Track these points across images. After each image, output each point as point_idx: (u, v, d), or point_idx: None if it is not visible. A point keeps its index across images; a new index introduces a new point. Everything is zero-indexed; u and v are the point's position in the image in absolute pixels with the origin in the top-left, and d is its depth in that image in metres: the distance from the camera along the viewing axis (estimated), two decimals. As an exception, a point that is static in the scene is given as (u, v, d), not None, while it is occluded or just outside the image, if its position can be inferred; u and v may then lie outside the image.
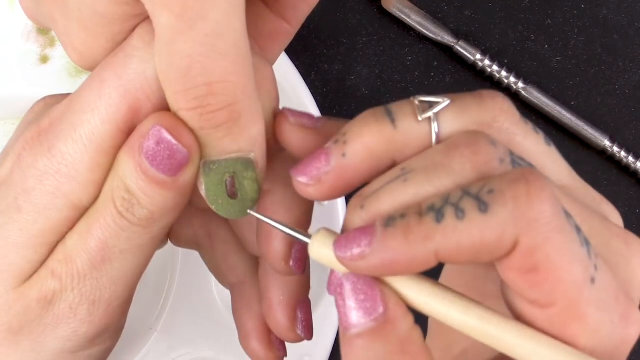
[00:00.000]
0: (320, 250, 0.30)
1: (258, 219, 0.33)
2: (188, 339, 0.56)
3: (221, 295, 0.56)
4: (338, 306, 0.30)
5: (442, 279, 0.39)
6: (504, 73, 0.61)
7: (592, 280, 0.28)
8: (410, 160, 0.30)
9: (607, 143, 0.61)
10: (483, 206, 0.27)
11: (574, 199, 0.31)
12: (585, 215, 0.31)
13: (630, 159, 0.61)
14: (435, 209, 0.28)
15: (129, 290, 0.34)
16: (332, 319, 0.55)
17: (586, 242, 0.28)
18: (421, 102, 0.31)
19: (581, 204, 0.31)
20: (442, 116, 0.31)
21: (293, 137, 0.33)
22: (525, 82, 0.61)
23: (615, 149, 0.61)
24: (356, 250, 0.28)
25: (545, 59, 0.62)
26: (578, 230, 0.28)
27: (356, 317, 0.29)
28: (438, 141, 0.31)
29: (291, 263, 0.36)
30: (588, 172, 0.61)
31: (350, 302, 0.29)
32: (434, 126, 0.31)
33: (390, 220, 0.28)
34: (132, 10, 0.31)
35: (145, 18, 0.31)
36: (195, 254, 0.42)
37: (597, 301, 0.28)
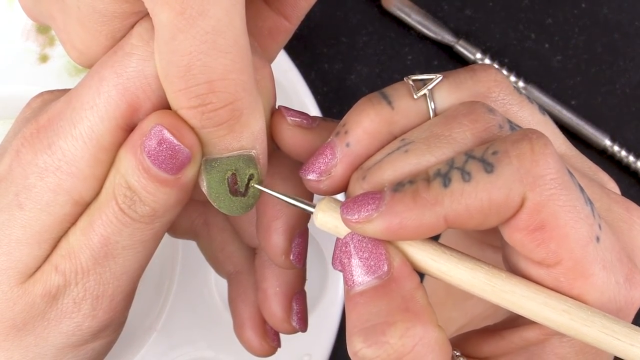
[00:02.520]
0: (325, 217, 0.30)
1: (258, 202, 0.34)
2: (188, 338, 0.56)
3: (221, 295, 0.56)
4: (343, 266, 0.30)
5: None
6: (504, 72, 0.61)
7: (597, 239, 0.28)
8: (410, 132, 0.31)
9: (607, 142, 0.61)
10: (489, 167, 0.28)
11: (572, 166, 0.32)
12: (585, 181, 0.31)
13: (631, 158, 0.61)
14: (441, 174, 0.28)
15: (132, 285, 0.34)
16: (332, 319, 0.55)
17: (589, 202, 0.29)
18: (415, 81, 0.32)
19: (580, 172, 0.32)
20: (437, 92, 0.31)
21: (290, 137, 0.33)
22: (525, 82, 0.61)
23: (616, 148, 0.61)
24: (364, 213, 0.29)
25: (546, 58, 0.62)
26: (581, 189, 0.29)
27: (360, 275, 0.29)
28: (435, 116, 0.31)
29: (291, 257, 0.36)
30: (588, 172, 0.61)
31: (355, 260, 0.29)
32: (430, 103, 0.31)
33: (399, 186, 0.29)
34: (131, 8, 0.30)
35: (144, 15, 0.31)
36: (195, 254, 0.42)
37: (603, 260, 0.29)
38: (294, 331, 0.38)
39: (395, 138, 0.31)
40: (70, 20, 0.32)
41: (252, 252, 0.40)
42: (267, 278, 0.38)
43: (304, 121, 0.33)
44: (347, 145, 0.31)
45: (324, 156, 0.31)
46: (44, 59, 0.56)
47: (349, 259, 0.29)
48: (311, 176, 0.32)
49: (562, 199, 0.28)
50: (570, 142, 0.61)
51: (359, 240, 0.29)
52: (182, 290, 0.56)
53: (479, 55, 0.61)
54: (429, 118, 0.31)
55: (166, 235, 0.41)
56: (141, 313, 0.55)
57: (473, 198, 0.28)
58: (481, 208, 0.28)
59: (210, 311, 0.56)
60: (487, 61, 0.61)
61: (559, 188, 0.28)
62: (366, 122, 0.31)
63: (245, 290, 0.40)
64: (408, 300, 0.29)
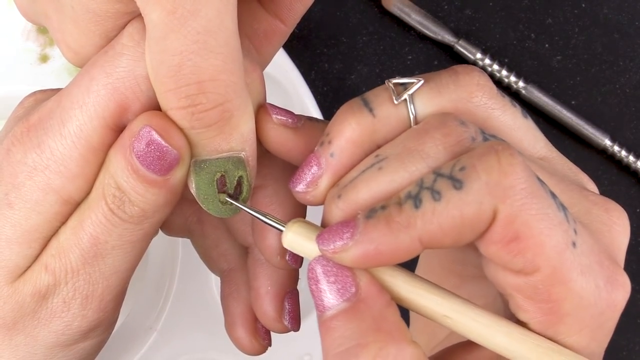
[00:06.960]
0: (293, 240, 0.31)
1: (252, 203, 0.34)
2: (188, 338, 0.56)
3: (221, 294, 0.56)
4: (312, 292, 0.30)
5: (420, 266, 0.39)
6: (504, 72, 0.60)
7: (574, 244, 0.28)
8: (384, 147, 0.31)
9: (607, 142, 0.60)
10: (457, 184, 0.28)
11: (551, 170, 0.32)
12: (563, 186, 0.31)
13: (631, 158, 0.61)
14: (412, 196, 0.28)
15: (122, 285, 0.34)
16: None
17: (562, 207, 0.29)
18: (396, 84, 0.32)
19: (559, 176, 0.32)
20: (418, 97, 0.31)
21: (274, 136, 0.33)
22: (525, 82, 0.61)
23: (616, 148, 0.61)
24: (339, 243, 0.29)
25: (546, 58, 0.62)
26: (553, 195, 0.29)
27: (329, 299, 0.29)
28: (416, 123, 0.31)
29: (287, 257, 0.36)
30: (588, 172, 0.60)
31: (323, 286, 0.30)
32: (411, 108, 0.31)
33: (371, 212, 0.29)
34: (124, 8, 0.30)
35: (137, 16, 0.31)
36: (195, 254, 0.42)
37: (580, 265, 0.28)
38: (286, 330, 0.38)
39: (379, 145, 0.31)
40: (65, 20, 0.32)
41: (245, 250, 0.40)
42: (259, 277, 0.38)
43: (289, 120, 0.33)
44: (331, 155, 0.31)
45: (310, 167, 0.32)
46: (44, 58, 0.56)
47: (317, 284, 0.30)
48: (299, 188, 0.32)
49: (533, 207, 0.28)
50: (570, 142, 0.60)
51: (324, 265, 0.30)
52: (182, 290, 0.56)
53: (479, 55, 0.60)
54: (410, 125, 0.31)
55: (166, 235, 0.41)
56: (141, 313, 0.55)
57: (445, 216, 0.28)
58: (454, 225, 0.28)
59: (210, 311, 0.56)
60: (487, 61, 0.60)
61: (529, 197, 0.28)
62: (348, 131, 0.31)
63: (238, 288, 0.40)
64: (379, 320, 0.29)
